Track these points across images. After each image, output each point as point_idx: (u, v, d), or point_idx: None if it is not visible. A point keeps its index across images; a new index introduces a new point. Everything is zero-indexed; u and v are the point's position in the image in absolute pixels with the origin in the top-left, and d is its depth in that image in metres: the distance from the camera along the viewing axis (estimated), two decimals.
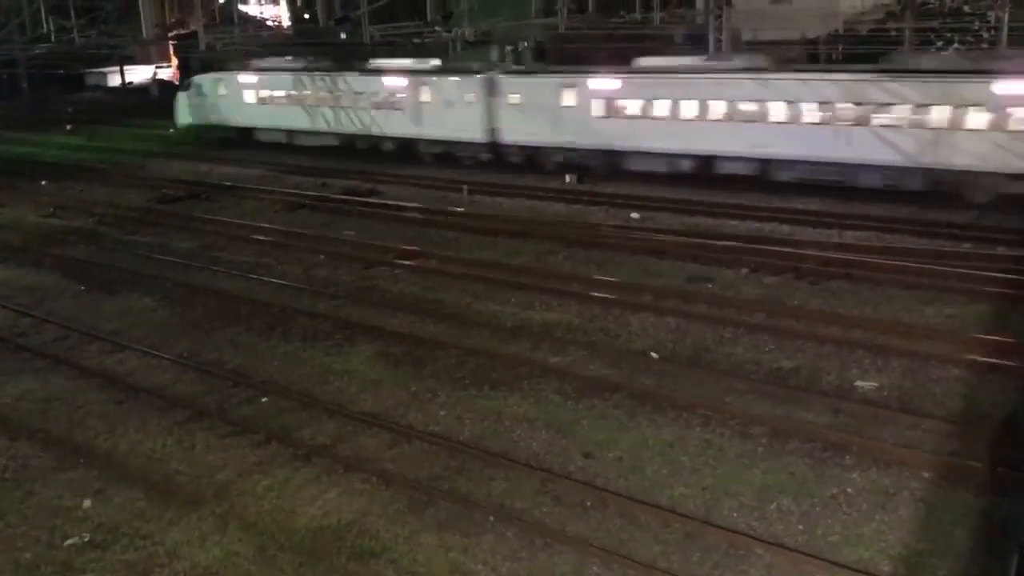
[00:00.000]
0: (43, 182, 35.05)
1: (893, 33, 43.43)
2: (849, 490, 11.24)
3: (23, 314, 19.40)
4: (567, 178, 30.40)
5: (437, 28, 49.35)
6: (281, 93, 37.88)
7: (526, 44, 44.64)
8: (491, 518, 10.99)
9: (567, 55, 39.79)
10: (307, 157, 36.87)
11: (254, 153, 38.59)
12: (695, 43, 39.15)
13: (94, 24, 66.94)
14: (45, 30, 64.83)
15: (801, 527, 10.57)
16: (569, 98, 30.36)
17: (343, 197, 29.54)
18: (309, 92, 36.85)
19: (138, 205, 30.24)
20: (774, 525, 10.65)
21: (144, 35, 41.49)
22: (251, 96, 38.97)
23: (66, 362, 16.58)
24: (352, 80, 35.48)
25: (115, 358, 16.79)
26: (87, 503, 11.88)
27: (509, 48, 43.22)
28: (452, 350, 16.22)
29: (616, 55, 32.37)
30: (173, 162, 38.52)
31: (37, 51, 34.25)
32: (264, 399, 14.68)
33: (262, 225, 26.14)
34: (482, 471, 12.11)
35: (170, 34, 46.78)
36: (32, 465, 13.01)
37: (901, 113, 24.50)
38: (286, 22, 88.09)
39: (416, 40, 50.46)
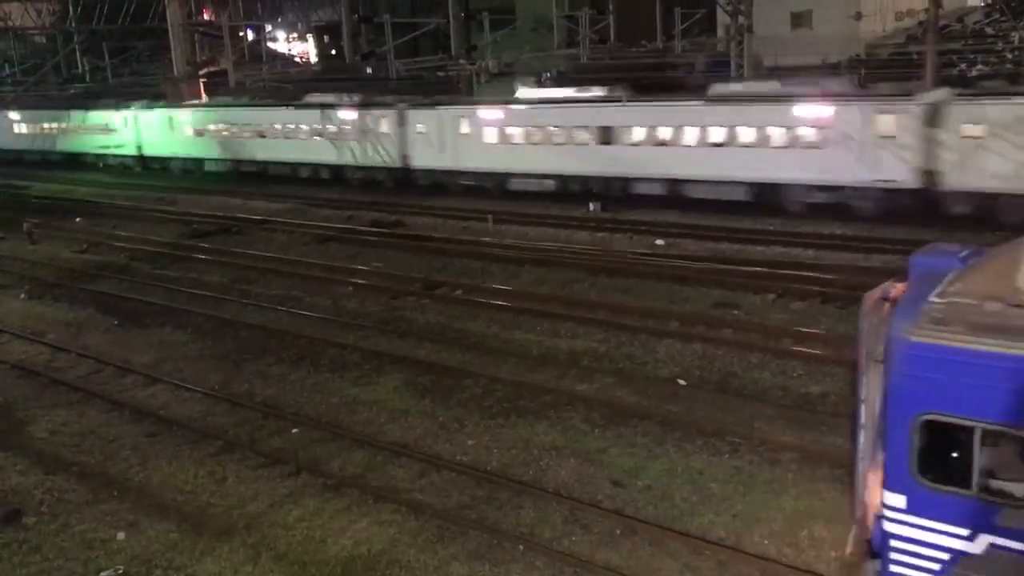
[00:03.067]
0: (76, 219, 35.71)
1: (915, 56, 43.37)
2: None
3: (58, 349, 19.74)
4: (591, 206, 30.55)
5: (461, 61, 49.95)
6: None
7: (548, 75, 45.07)
8: (520, 547, 11.01)
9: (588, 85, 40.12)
10: (335, 190, 37.34)
11: (283, 187, 39.14)
12: (717, 70, 39.38)
13: (127, 63, 68.46)
14: (80, 70, 66.35)
15: (834, 553, 10.49)
16: (465, 127, 33.72)
17: (369, 229, 29.85)
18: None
19: (169, 240, 30.72)
20: (805, 552, 10.58)
21: (176, 73, 42.21)
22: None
23: (100, 396, 16.83)
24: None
25: (148, 391, 17.04)
26: (121, 535, 12.03)
27: (532, 79, 43.62)
28: (479, 379, 16.31)
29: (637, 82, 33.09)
30: (203, 197, 39.14)
31: (72, 91, 35.27)
32: (294, 430, 14.83)
33: (291, 258, 26.46)
34: (511, 500, 12.14)
35: (201, 72, 47.65)
36: (67, 498, 13.19)
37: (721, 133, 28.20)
38: (313, 58, 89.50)
39: (440, 73, 51.07)
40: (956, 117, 24.39)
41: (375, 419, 15.08)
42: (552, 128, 31.73)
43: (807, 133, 26.54)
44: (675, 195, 29.37)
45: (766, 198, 27.54)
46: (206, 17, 72.32)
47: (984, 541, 6.84)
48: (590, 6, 61.08)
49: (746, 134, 27.65)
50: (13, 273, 27.08)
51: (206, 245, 29.58)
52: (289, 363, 18.01)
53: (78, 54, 65.80)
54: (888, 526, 7.24)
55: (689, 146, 28.91)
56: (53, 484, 13.61)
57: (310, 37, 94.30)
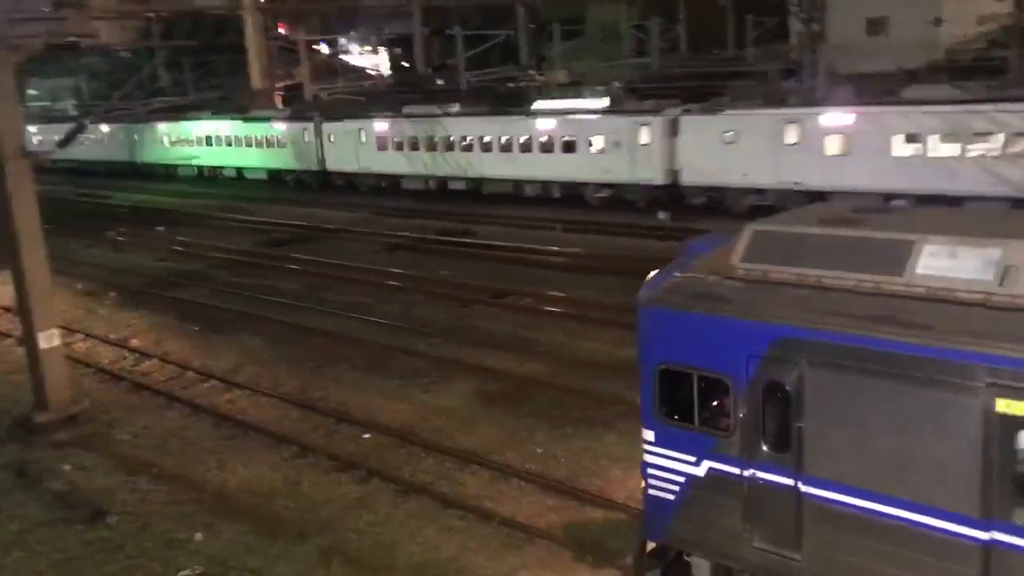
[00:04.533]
0: (159, 228, 36.90)
1: (997, 62, 42.14)
2: None
3: (142, 354, 20.44)
4: (660, 215, 30.42)
5: (530, 72, 50.21)
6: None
7: (618, 84, 44.99)
8: (589, 557, 11.03)
9: (657, 95, 39.95)
10: (405, 199, 37.87)
11: (355, 197, 39.86)
12: (790, 78, 38.85)
13: (206, 78, 70.49)
14: (161, 84, 68.63)
15: None
16: (363, 136, 41.24)
17: (439, 238, 30.21)
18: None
19: (247, 248, 31.54)
20: None
21: (253, 87, 43.41)
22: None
23: (181, 400, 17.38)
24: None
25: (226, 396, 17.53)
26: (199, 536, 12.40)
27: (600, 89, 43.63)
28: (547, 388, 16.38)
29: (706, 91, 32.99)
30: (279, 206, 40.06)
31: (156, 105, 36.81)
32: (366, 436, 15.10)
33: (363, 266, 26.94)
34: (579, 510, 12.17)
35: (277, 85, 48.92)
36: (148, 499, 13.64)
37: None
38: (386, 71, 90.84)
39: (510, 84, 51.39)
40: (686, 127, 30.93)
41: (444, 426, 15.26)
42: (411, 137, 39.57)
43: (598, 141, 33.33)
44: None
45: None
46: (282, 32, 74.07)
47: (705, 466, 8.38)
48: (660, 15, 60.77)
49: (558, 143, 34.51)
50: (100, 280, 28.09)
51: (282, 253, 30.29)
52: (361, 369, 18.34)
53: (160, 68, 68.07)
54: (645, 456, 8.92)
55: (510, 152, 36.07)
56: (135, 485, 14.09)
57: (382, 50, 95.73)
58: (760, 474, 7.98)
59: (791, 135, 28.52)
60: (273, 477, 13.93)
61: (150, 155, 54.45)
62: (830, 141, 27.82)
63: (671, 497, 8.72)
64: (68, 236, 33.48)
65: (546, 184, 35.38)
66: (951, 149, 25.97)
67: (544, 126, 34.87)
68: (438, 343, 19.54)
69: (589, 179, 33.70)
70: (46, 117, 65.68)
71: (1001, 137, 25.13)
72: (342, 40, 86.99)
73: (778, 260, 8.20)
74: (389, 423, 15.52)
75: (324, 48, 79.36)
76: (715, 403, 8.31)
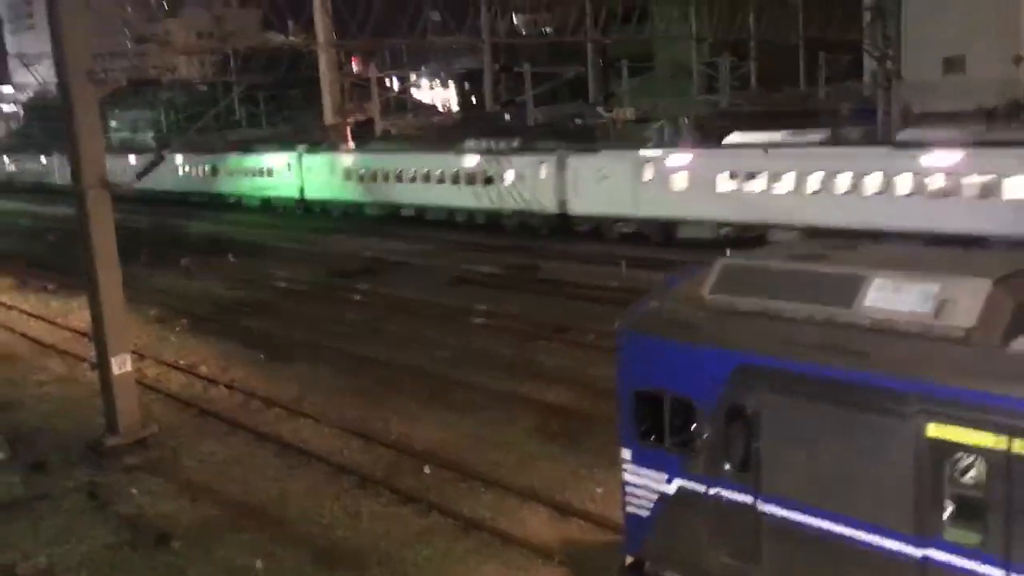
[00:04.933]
0: (231, 257, 37.73)
1: None
2: None
3: (210, 381, 20.82)
4: (727, 253, 30.04)
5: (598, 108, 50.38)
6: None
7: (687, 121, 44.86)
8: None
9: (726, 132, 39.70)
10: (471, 233, 38.13)
11: (422, 230, 40.26)
12: (863, 118, 38.25)
13: (280, 111, 72.33)
14: (238, 117, 70.62)
15: None
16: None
17: (504, 272, 30.26)
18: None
19: (314, 279, 32.03)
20: None
21: (325, 121, 44.42)
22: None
23: (246, 427, 17.62)
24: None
25: (290, 424, 17.72)
26: (259, 564, 12.48)
27: (669, 125, 43.55)
28: (608, 425, 16.12)
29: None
30: (347, 238, 40.68)
31: (232, 138, 37.99)
32: (426, 469, 15.08)
33: (427, 299, 27.13)
34: None
35: (348, 119, 49.96)
36: (211, 525, 13.80)
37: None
38: (454, 106, 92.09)
39: (577, 121, 51.61)
40: (571, 164, 36.05)
41: (504, 461, 15.16)
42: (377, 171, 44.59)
43: (510, 176, 38.35)
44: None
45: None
46: (354, 67, 75.74)
47: (676, 484, 8.99)
48: (731, 52, 60.51)
49: (480, 176, 39.35)
50: (171, 307, 28.76)
51: (348, 284, 30.69)
52: (423, 401, 18.38)
53: (236, 102, 70.09)
54: (624, 475, 9.54)
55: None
56: (199, 511, 14.28)
57: (451, 85, 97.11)
58: (724, 492, 8.58)
59: (647, 173, 33.49)
60: (334, 507, 13.98)
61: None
62: (675, 178, 32.83)
63: (646, 513, 9.37)
64: (142, 263, 34.41)
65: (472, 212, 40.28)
66: (760, 185, 30.61)
67: (470, 163, 40.42)
68: (499, 377, 19.50)
69: (503, 207, 39.03)
70: (126, 148, 67.95)
71: (766, 176, 30.36)
72: (412, 76, 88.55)
73: (743, 292, 8.82)
74: (449, 456, 15.48)
75: (395, 83, 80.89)
76: (684, 425, 8.89)
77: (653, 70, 68.22)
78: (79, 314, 26.65)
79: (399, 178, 43.49)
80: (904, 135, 29.50)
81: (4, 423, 18.06)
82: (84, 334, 23.96)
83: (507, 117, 60.57)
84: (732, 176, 31.16)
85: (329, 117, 44.39)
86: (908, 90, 38.18)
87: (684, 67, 63.89)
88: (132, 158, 58.45)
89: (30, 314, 29.45)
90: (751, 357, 8.26)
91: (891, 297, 7.86)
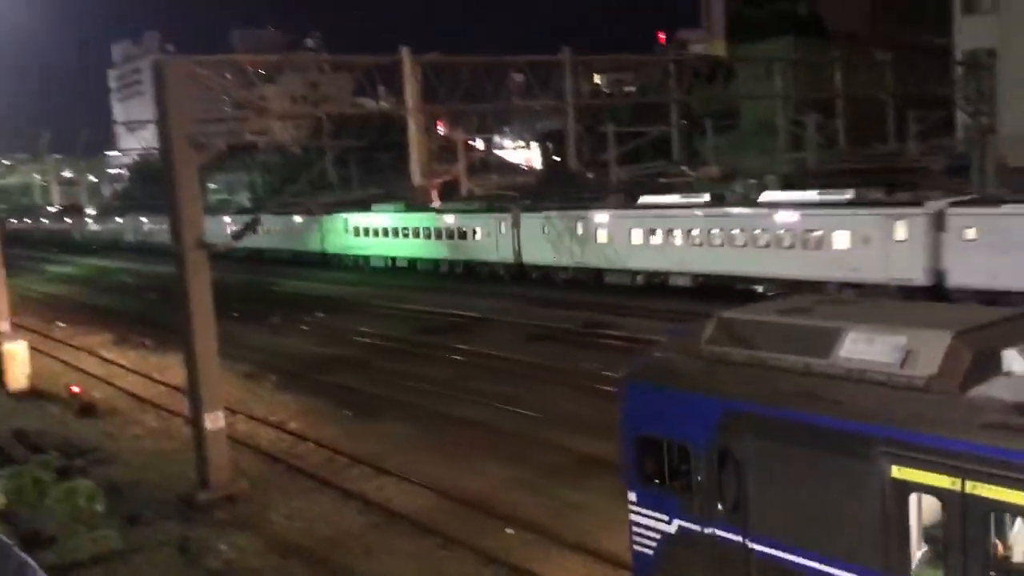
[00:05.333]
0: (319, 314, 38.62)
1: None
2: None
3: (298, 437, 21.22)
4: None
5: (683, 167, 50.36)
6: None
7: (773, 178, 44.43)
8: None
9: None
10: (551, 290, 38.26)
11: (502, 287, 40.62)
12: (956, 173, 37.31)
13: (370, 174, 74.35)
14: (329, 179, 72.88)
15: None
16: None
17: (585, 329, 30.20)
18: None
19: (398, 335, 32.51)
20: None
21: (414, 181, 45.59)
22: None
23: (332, 484, 17.84)
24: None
25: (375, 483, 17.87)
26: None
27: (753, 183, 43.17)
28: None
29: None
30: (430, 295, 41.28)
31: (324, 200, 39.47)
32: (509, 530, 15.00)
33: (509, 356, 27.22)
34: None
35: (436, 180, 51.20)
36: None
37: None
38: (537, 165, 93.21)
39: (661, 180, 51.63)
40: (523, 222, 42.70)
41: (587, 525, 14.96)
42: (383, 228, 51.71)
43: (479, 232, 44.78)
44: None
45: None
46: (441, 130, 77.50)
47: (676, 524, 9.51)
48: (818, 110, 59.94)
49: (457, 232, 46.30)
50: (261, 363, 29.53)
51: (431, 340, 31.04)
52: (504, 461, 18.35)
53: (328, 166, 72.40)
54: (630, 516, 10.10)
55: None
56: (286, 568, 14.46)
57: (535, 145, 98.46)
58: (718, 532, 9.08)
59: (579, 228, 39.35)
60: (417, 567, 13.99)
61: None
62: (599, 233, 38.63)
63: (651, 552, 9.91)
64: (235, 320, 35.48)
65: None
66: (659, 239, 36.36)
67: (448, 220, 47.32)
68: (581, 438, 19.33)
69: (473, 257, 45.69)
70: (222, 210, 70.70)
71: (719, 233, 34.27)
72: (496, 137, 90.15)
73: (734, 343, 9.45)
74: (533, 518, 15.37)
75: (479, 144, 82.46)
76: (682, 468, 9.44)
77: (738, 128, 67.96)
78: (175, 370, 27.55)
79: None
80: (763, 197, 34.82)
81: (102, 476, 18.66)
82: (179, 389, 24.73)
83: (589, 176, 61.01)
84: (641, 232, 37.17)
85: (417, 178, 45.45)
86: (1003, 143, 37.10)
87: (769, 125, 63.50)
88: (227, 219, 60.80)
89: (129, 369, 30.59)
90: (738, 404, 8.82)
91: (863, 348, 8.44)
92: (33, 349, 29.81)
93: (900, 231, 28.67)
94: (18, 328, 31.34)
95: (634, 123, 64.61)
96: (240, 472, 18.33)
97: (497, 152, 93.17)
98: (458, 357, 28.16)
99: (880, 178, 39.46)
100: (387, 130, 61.17)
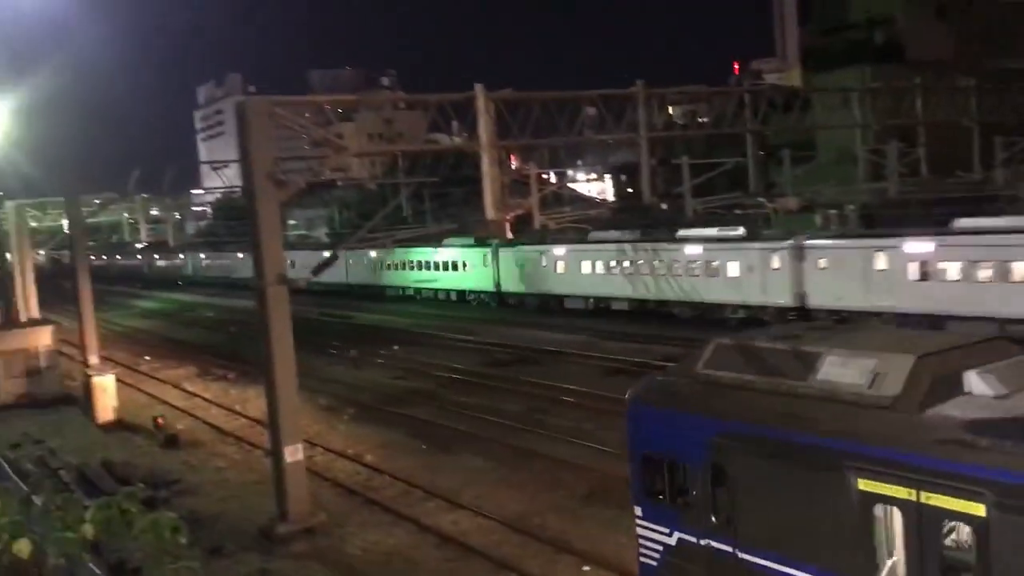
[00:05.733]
0: (395, 347, 39.00)
1: None
2: None
3: (374, 470, 21.36)
4: None
5: (759, 199, 49.70)
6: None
7: (852, 208, 43.51)
8: None
9: (894, 220, 38.20)
10: (627, 323, 37.93)
11: (575, 319, 40.47)
12: None
13: (444, 208, 75.25)
14: (404, 214, 74.00)
15: None
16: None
17: (662, 363, 29.77)
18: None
19: (473, 368, 32.58)
20: None
21: (487, 216, 45.98)
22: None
23: (408, 518, 17.88)
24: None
25: (450, 516, 17.85)
26: None
27: (833, 213, 42.32)
28: None
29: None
30: (502, 328, 41.35)
31: (399, 236, 40.20)
32: (586, 568, 14.78)
33: (582, 389, 27.01)
34: None
35: (508, 215, 51.66)
36: None
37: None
38: (610, 197, 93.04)
39: (737, 211, 51.02)
40: (500, 255, 48.47)
41: None
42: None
43: (468, 266, 51.20)
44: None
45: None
46: (513, 163, 78.04)
47: (676, 536, 10.36)
48: (899, 138, 58.57)
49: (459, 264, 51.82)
50: (340, 396, 29.90)
51: (505, 374, 31.02)
52: (580, 497, 18.15)
53: (403, 201, 73.53)
54: (637, 529, 10.98)
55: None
56: None
57: (608, 177, 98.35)
58: (712, 543, 9.89)
59: (543, 261, 45.29)
60: None
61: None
62: (558, 264, 44.52)
63: (655, 564, 10.65)
64: (313, 353, 36.05)
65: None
66: (602, 268, 41.86)
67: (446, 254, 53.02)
68: None
69: (460, 287, 52.36)
70: (301, 245, 72.22)
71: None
72: (569, 171, 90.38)
73: (727, 367, 10.30)
74: (609, 557, 15.13)
75: (552, 177, 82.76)
76: (682, 484, 10.30)
77: (815, 158, 66.87)
78: (255, 403, 28.09)
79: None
80: (680, 233, 39.70)
81: (185, 507, 19.03)
82: (259, 422, 25.18)
83: (663, 208, 60.58)
84: (589, 264, 42.63)
85: (490, 212, 45.79)
86: None
87: (848, 154, 62.29)
88: (299, 255, 61.88)
89: (211, 401, 31.30)
90: (727, 424, 9.77)
91: (839, 371, 9.29)
92: (119, 382, 30.76)
93: (775, 261, 34.13)
94: (106, 361, 32.34)
95: (709, 154, 64.06)
96: (319, 505, 18.50)
97: (570, 185, 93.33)
98: (531, 391, 28.06)
99: (964, 206, 38.31)
100: (460, 165, 61.90)
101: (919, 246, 29.91)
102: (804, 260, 33.14)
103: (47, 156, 38.14)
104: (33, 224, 48.33)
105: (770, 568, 9.27)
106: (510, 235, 50.64)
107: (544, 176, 77.06)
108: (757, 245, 35.44)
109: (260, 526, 17.78)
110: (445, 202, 76.74)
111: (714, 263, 36.80)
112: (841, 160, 63.44)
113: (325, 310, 53.67)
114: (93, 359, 29.91)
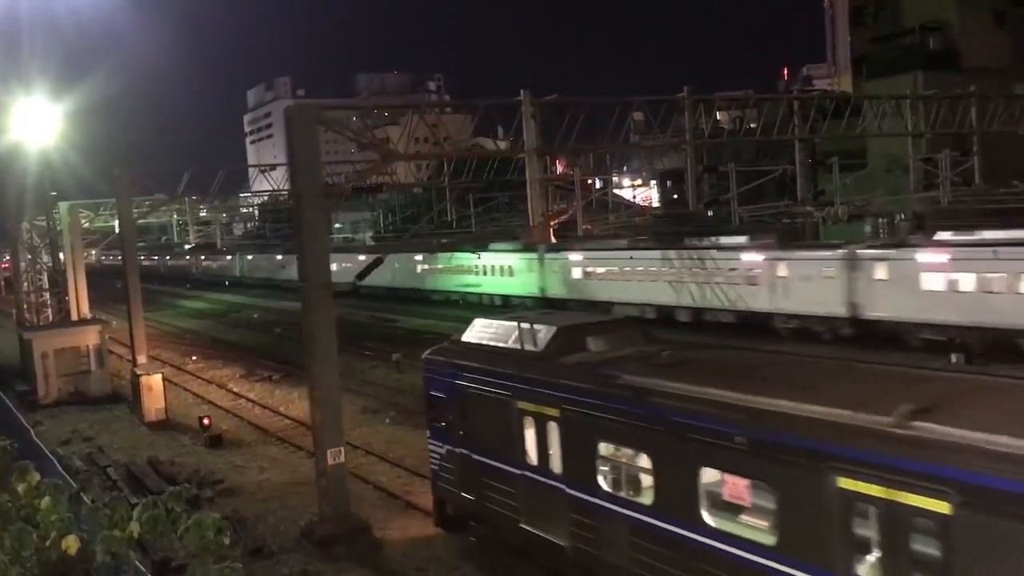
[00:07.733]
0: None
1: None
2: None
3: (414, 474, 21.34)
4: (952, 358, 27.86)
5: (808, 207, 48.98)
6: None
7: (902, 217, 42.73)
8: None
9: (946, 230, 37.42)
10: (690, 334, 37.57)
11: None
12: None
13: (488, 212, 75.29)
14: (449, 218, 74.20)
15: None
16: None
17: None
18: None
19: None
20: None
21: (531, 221, 45.86)
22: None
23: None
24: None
25: None
26: None
27: (883, 221, 41.56)
28: None
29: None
30: None
31: (444, 240, 40.36)
32: None
33: None
34: None
35: (554, 221, 51.54)
36: None
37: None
38: (655, 203, 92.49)
39: (785, 220, 50.35)
40: (484, 259, 54.18)
41: None
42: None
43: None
44: None
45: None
46: (559, 169, 77.90)
47: (445, 448, 15.68)
48: (952, 147, 57.34)
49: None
50: (381, 399, 29.98)
51: None
52: None
53: (448, 205, 73.70)
54: (429, 446, 16.43)
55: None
56: None
57: (653, 183, 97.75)
58: (460, 450, 15.38)
59: (536, 267, 49.48)
60: None
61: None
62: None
63: (437, 467, 16.42)
64: (357, 356, 36.21)
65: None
66: (588, 273, 46.44)
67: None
68: None
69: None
70: (346, 248, 72.81)
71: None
72: (614, 177, 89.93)
73: (478, 336, 15.61)
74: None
75: (597, 182, 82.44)
76: (447, 414, 15.86)
77: (866, 166, 65.74)
78: (299, 404, 28.31)
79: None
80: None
81: (229, 507, 19.20)
82: (302, 423, 25.33)
83: (709, 215, 59.98)
84: (579, 271, 46.65)
85: (535, 217, 45.68)
86: None
87: (899, 163, 61.13)
88: (351, 256, 62.56)
89: (255, 402, 31.61)
90: (463, 373, 14.91)
91: (516, 336, 14.49)
92: (167, 381, 31.19)
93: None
94: (153, 361, 32.83)
95: (757, 161, 63.24)
96: (360, 507, 18.52)
97: (615, 191, 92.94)
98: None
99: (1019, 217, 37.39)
100: (505, 170, 61.91)
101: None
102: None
103: (101, 158, 38.87)
104: (85, 224, 49.26)
105: (487, 463, 14.34)
106: (553, 239, 50.50)
107: (589, 182, 76.77)
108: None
109: (302, 527, 17.86)
110: (490, 207, 76.82)
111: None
112: (892, 168, 62.28)
113: (370, 312, 54.02)
114: (141, 358, 30.40)
